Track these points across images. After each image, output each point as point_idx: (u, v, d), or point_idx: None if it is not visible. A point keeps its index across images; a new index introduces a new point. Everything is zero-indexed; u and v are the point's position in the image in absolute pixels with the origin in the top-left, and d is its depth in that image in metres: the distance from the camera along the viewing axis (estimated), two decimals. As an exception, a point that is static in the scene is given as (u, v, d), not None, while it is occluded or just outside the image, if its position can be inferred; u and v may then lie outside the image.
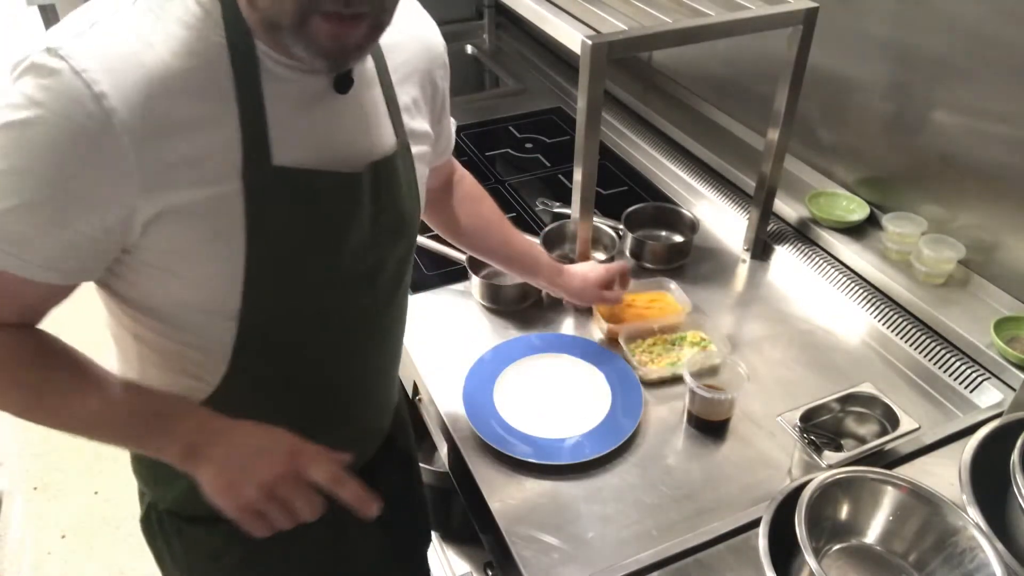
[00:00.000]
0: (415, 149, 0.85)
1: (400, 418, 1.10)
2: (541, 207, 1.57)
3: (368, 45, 0.68)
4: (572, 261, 1.24)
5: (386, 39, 0.74)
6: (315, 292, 0.78)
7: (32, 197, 0.63)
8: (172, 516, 0.91)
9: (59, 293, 0.71)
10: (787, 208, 1.42)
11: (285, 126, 0.70)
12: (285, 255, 0.73)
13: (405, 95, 0.83)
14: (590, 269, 1.20)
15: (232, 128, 0.67)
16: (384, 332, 0.91)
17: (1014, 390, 1.05)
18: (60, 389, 0.73)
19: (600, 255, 1.35)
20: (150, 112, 0.63)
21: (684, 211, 1.45)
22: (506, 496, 0.97)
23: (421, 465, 1.66)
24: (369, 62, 0.78)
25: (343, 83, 0.73)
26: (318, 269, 0.77)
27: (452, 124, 1.02)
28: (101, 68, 0.61)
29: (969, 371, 1.10)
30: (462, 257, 1.34)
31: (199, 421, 0.74)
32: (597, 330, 1.23)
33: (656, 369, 1.13)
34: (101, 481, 2.17)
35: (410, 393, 1.29)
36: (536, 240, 1.31)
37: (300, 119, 0.71)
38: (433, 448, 1.72)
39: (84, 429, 0.74)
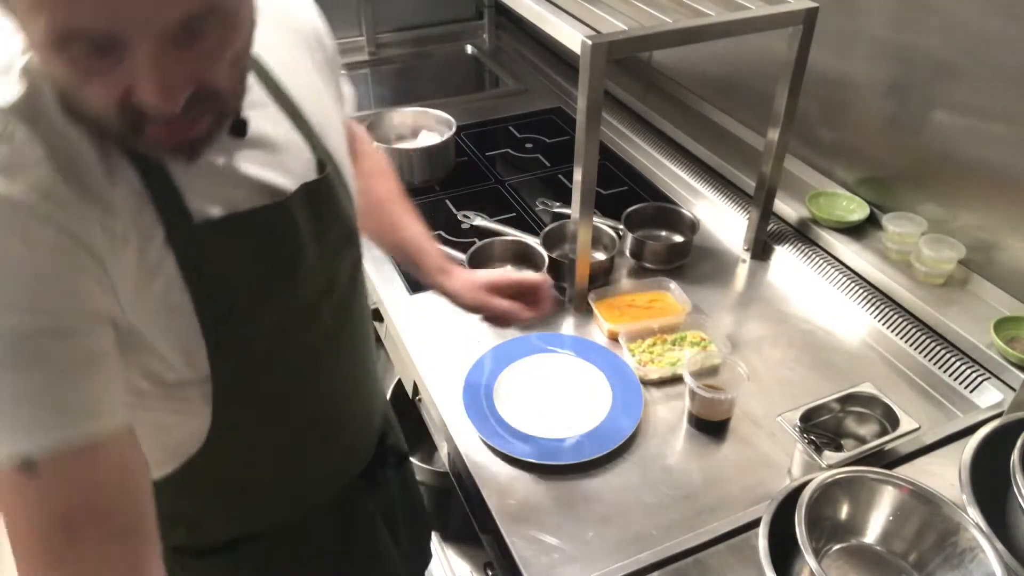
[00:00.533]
0: (337, 140, 0.82)
1: (387, 416, 1.10)
2: (541, 207, 1.57)
3: (218, 131, 0.63)
4: (572, 261, 1.24)
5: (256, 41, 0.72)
6: (279, 325, 0.75)
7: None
8: (176, 552, 0.88)
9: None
10: (787, 208, 1.42)
11: (193, 183, 0.66)
12: (239, 305, 0.70)
13: (302, 88, 0.79)
14: (488, 272, 1.09)
15: (145, 200, 0.63)
16: (354, 339, 0.89)
17: (1014, 390, 1.05)
18: None
19: (600, 255, 1.35)
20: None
21: (684, 211, 1.45)
22: (506, 496, 0.97)
23: (421, 465, 1.67)
24: (254, 86, 0.73)
25: (239, 129, 0.69)
26: (276, 303, 0.74)
27: (348, 87, 0.97)
28: None
29: (969, 371, 1.10)
30: (462, 257, 1.34)
31: None
32: (597, 330, 1.23)
33: (656, 369, 1.13)
34: (101, 481, 2.17)
35: (410, 393, 1.29)
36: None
37: (207, 172, 0.67)
38: (433, 448, 1.72)
39: None
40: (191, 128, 0.60)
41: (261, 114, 0.72)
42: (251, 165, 0.71)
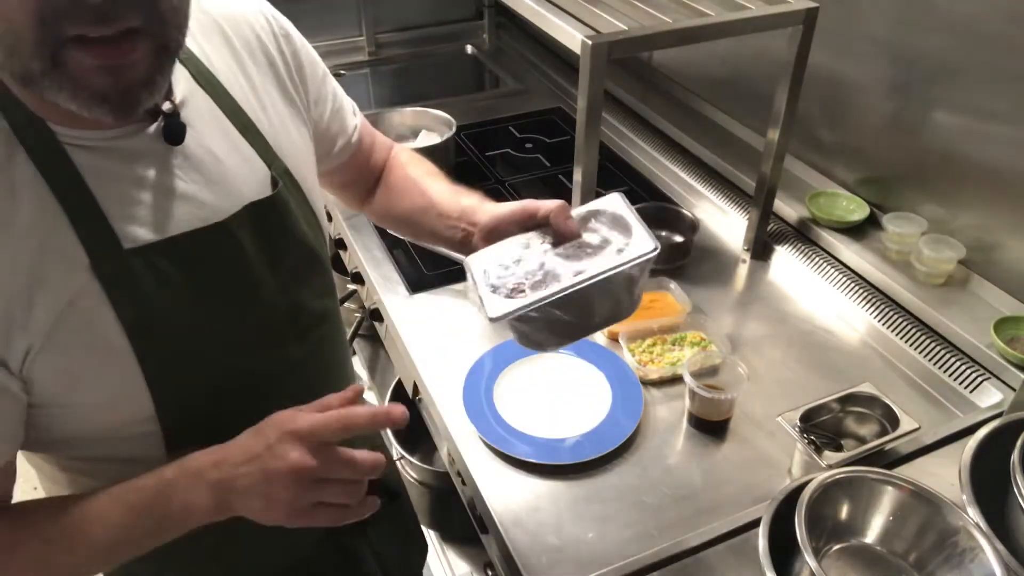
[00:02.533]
0: (299, 157, 0.77)
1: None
2: (541, 207, 1.57)
3: (159, 74, 0.56)
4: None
5: (195, 43, 0.66)
6: (229, 357, 0.70)
7: None
8: None
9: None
10: (787, 208, 1.42)
11: (123, 201, 0.60)
12: (180, 337, 0.65)
13: (252, 99, 0.73)
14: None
15: (61, 223, 0.57)
16: (329, 367, 0.84)
17: (1014, 390, 1.05)
18: (57, 552, 0.64)
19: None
20: None
21: (684, 211, 1.45)
22: (506, 496, 0.97)
23: (421, 465, 1.67)
24: (195, 90, 0.67)
25: (174, 131, 0.63)
26: (227, 335, 0.69)
27: (343, 99, 0.90)
28: None
29: (969, 371, 1.10)
30: (462, 257, 1.33)
31: (200, 468, 0.64)
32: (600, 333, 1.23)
33: (656, 369, 1.13)
34: (101, 481, 2.17)
35: (410, 393, 1.29)
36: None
37: (138, 187, 0.61)
38: (433, 448, 1.72)
39: (107, 561, 0.67)
40: (124, 51, 0.52)
41: (205, 127, 0.67)
42: (188, 183, 0.65)
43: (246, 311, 0.70)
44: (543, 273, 0.71)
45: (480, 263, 0.75)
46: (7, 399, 0.59)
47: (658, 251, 0.70)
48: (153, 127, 0.63)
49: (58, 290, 0.58)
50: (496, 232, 0.79)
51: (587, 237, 0.75)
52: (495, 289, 0.71)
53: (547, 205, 0.76)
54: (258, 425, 0.65)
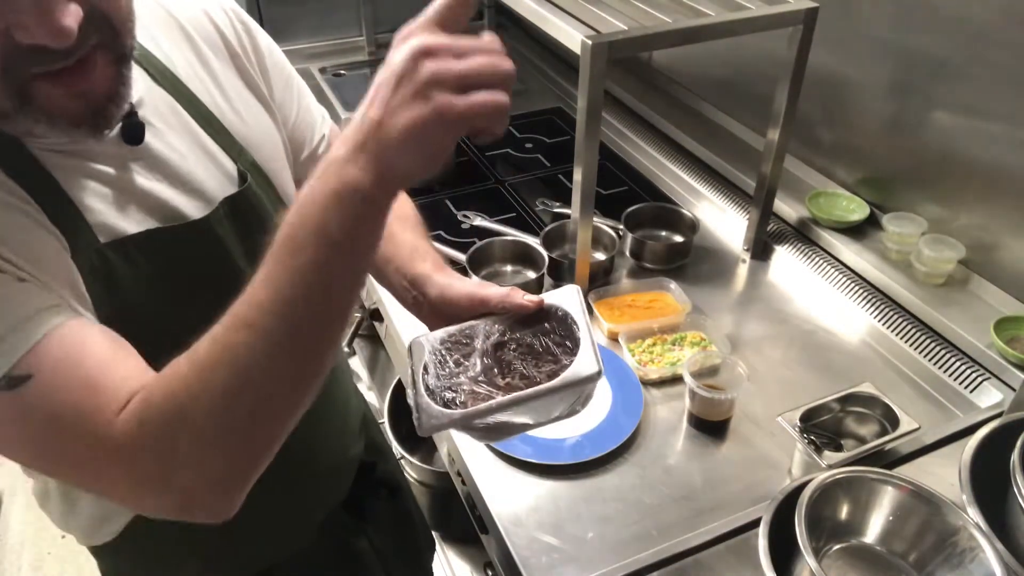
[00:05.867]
0: (269, 150, 0.76)
1: (375, 443, 1.07)
2: (541, 207, 1.57)
3: (121, 85, 0.57)
4: (572, 261, 1.24)
5: (152, 40, 0.65)
6: None
7: None
8: None
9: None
10: (787, 208, 1.42)
11: (95, 199, 0.61)
12: (157, 331, 0.62)
13: (216, 93, 0.72)
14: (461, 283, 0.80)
15: (40, 221, 0.57)
16: None
17: (1014, 390, 1.05)
18: (236, 335, 0.53)
19: (600, 255, 1.35)
20: None
21: (684, 211, 1.45)
22: (506, 496, 0.97)
23: (421, 465, 1.67)
24: (152, 88, 0.67)
25: (133, 132, 0.63)
26: (205, 329, 0.65)
27: (312, 110, 0.87)
28: None
29: (969, 371, 1.10)
30: (462, 257, 1.34)
31: (338, 144, 0.52)
32: (597, 330, 1.23)
33: (656, 369, 1.13)
34: (101, 481, 2.17)
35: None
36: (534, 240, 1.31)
37: (106, 187, 0.62)
38: (433, 448, 1.72)
39: (297, 322, 0.53)
40: (87, 73, 0.53)
41: (166, 125, 0.67)
42: (152, 182, 0.65)
43: (225, 305, 0.69)
44: (484, 381, 0.69)
45: (421, 354, 0.71)
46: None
47: (601, 376, 0.67)
48: (114, 129, 0.63)
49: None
50: (445, 315, 0.76)
51: (536, 342, 0.72)
52: (431, 393, 0.68)
53: (496, 296, 0.73)
54: (384, 62, 0.52)
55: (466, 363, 0.71)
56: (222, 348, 0.53)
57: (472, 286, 0.75)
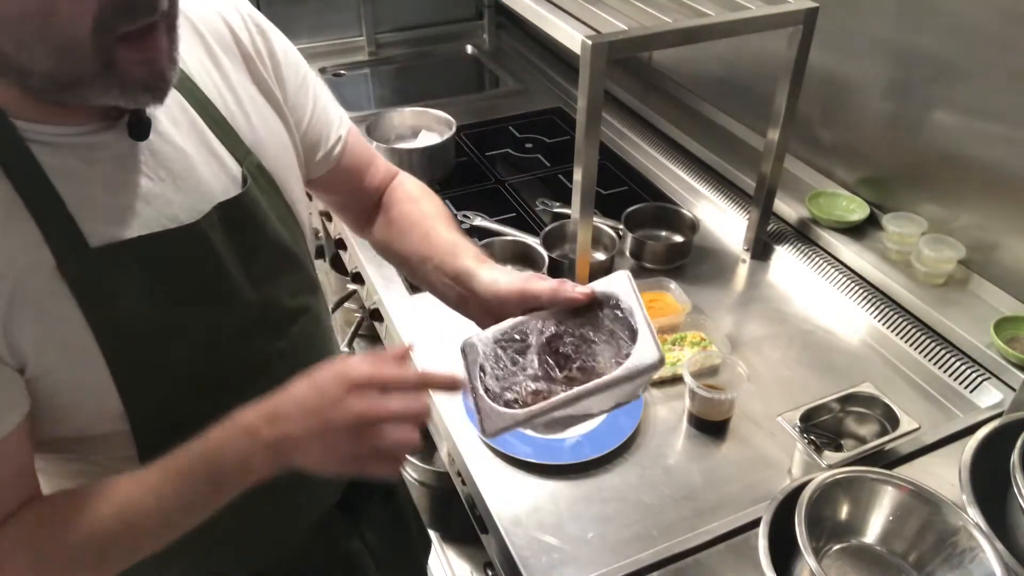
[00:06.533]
0: (277, 152, 0.76)
1: None
2: (541, 207, 1.57)
3: (175, 51, 0.58)
4: (572, 261, 1.24)
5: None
6: (203, 357, 0.69)
7: None
8: None
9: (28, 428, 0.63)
10: (787, 208, 1.42)
11: (89, 200, 0.60)
12: (148, 336, 0.64)
13: (227, 94, 0.72)
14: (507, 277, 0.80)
15: (24, 222, 0.57)
16: (305, 368, 0.78)
17: (1014, 390, 1.05)
18: (113, 530, 0.62)
19: (600, 255, 1.35)
20: None
21: (684, 211, 1.45)
22: (506, 496, 0.97)
23: (421, 465, 1.67)
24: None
25: (139, 127, 0.63)
26: (197, 334, 0.68)
27: (328, 110, 0.86)
28: None
29: (969, 371, 1.10)
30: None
31: (250, 425, 0.62)
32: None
33: (656, 369, 1.13)
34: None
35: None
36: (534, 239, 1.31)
37: (104, 185, 0.61)
38: (433, 448, 1.72)
39: (167, 530, 0.65)
40: (155, 38, 0.55)
41: (173, 122, 0.67)
42: (154, 180, 0.64)
43: (217, 310, 0.69)
44: (543, 377, 0.69)
45: (475, 355, 0.72)
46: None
47: (664, 363, 0.67)
48: (119, 123, 0.63)
49: (14, 291, 0.57)
50: (494, 312, 0.77)
51: (590, 332, 0.71)
52: (492, 396, 0.68)
53: (548, 291, 0.73)
54: (311, 377, 0.64)
55: (522, 360, 0.71)
56: (99, 532, 0.63)
57: (521, 281, 0.76)
